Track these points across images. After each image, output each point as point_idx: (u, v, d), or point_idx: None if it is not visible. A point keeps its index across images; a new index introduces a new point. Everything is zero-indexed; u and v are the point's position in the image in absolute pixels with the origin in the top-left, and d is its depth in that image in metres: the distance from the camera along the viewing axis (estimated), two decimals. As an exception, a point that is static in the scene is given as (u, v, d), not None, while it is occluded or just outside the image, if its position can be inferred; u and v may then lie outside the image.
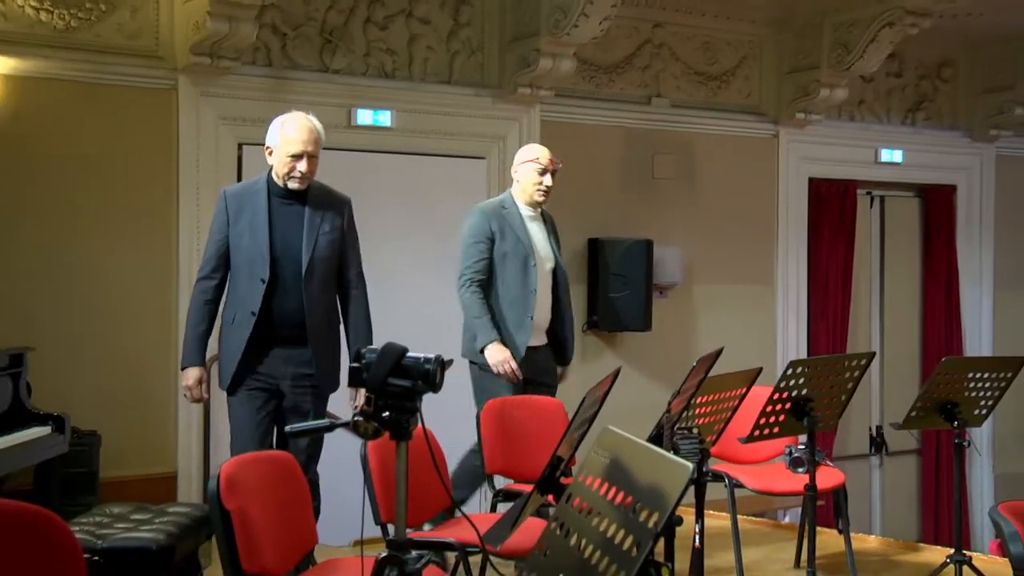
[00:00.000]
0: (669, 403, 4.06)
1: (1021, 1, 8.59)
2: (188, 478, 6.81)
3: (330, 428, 3.03)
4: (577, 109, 8.36)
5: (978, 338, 10.50)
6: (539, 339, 5.85)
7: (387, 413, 2.90)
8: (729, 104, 9.13)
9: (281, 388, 4.88)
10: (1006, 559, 3.31)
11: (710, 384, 4.34)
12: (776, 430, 4.69)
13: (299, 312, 4.86)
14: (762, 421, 4.62)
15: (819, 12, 8.83)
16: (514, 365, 5.62)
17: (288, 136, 4.84)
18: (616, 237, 8.36)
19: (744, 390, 4.53)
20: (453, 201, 7.82)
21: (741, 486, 5.52)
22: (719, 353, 4.47)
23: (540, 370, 5.87)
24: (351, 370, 2.96)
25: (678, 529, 3.75)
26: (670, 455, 2.23)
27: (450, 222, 7.79)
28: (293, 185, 4.87)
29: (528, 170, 5.84)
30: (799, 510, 5.87)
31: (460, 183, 7.86)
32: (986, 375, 5.18)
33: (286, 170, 4.85)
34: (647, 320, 8.35)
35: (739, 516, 5.65)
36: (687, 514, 4.07)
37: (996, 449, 10.49)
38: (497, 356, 5.62)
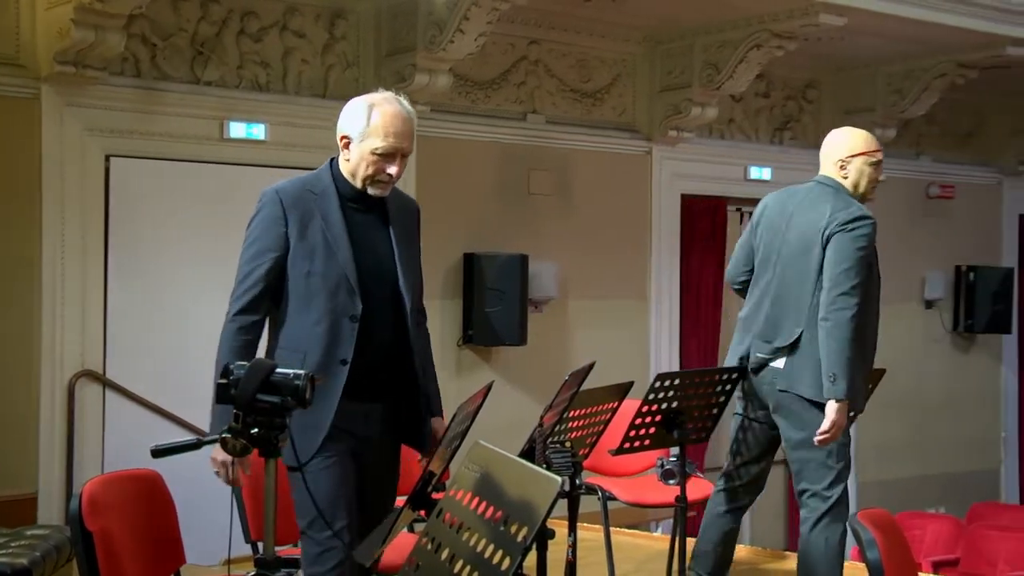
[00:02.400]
0: (541, 417, 4.06)
1: (881, 27, 8.81)
2: (49, 499, 6.57)
3: (197, 445, 2.96)
4: (453, 125, 8.34)
5: (843, 351, 10.70)
6: None
7: (256, 430, 2.85)
8: (603, 121, 9.20)
9: (359, 449, 3.77)
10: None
11: (582, 398, 4.35)
12: (647, 443, 4.72)
13: (396, 358, 3.84)
14: (632, 434, 4.65)
15: (690, 32, 8.96)
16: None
17: (378, 127, 3.71)
18: (491, 252, 8.35)
19: (616, 404, 4.56)
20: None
21: (614, 499, 5.56)
22: (591, 367, 4.48)
23: None
24: (218, 386, 2.90)
25: (551, 542, 3.75)
26: (539, 469, 2.24)
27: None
28: (375, 191, 3.79)
29: (862, 164, 4.84)
30: (671, 521, 5.90)
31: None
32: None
33: (370, 172, 3.73)
34: (522, 334, 8.36)
35: (612, 528, 5.68)
36: (560, 527, 4.07)
37: (859, 459, 10.70)
38: (843, 420, 4.52)
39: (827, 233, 4.61)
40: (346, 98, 7.63)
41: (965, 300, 11.57)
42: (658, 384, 4.64)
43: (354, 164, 3.75)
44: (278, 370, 2.88)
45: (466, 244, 8.36)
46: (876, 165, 4.82)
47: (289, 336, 3.73)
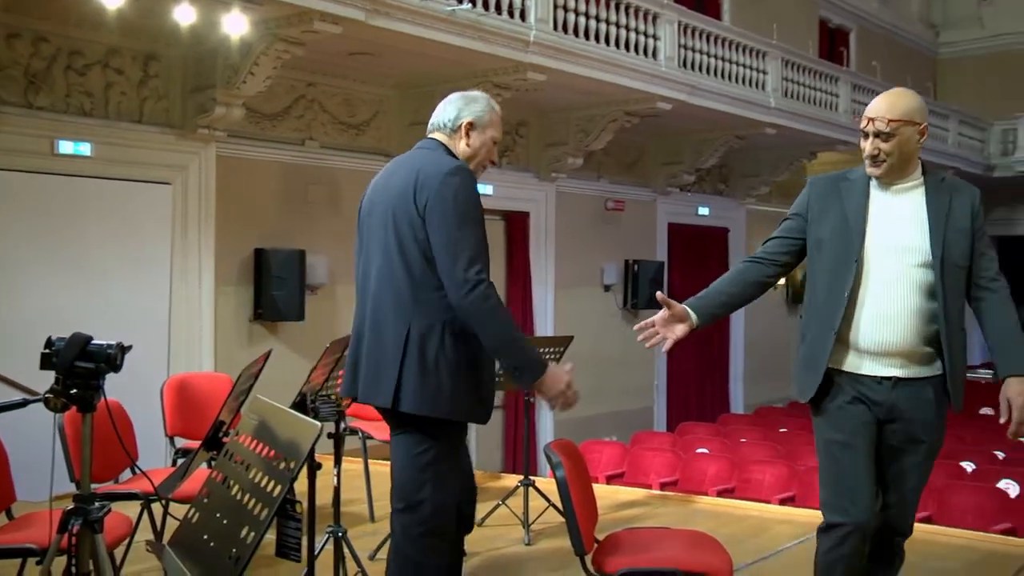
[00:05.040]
0: (308, 376, 3.98)
1: (572, 84, 9.07)
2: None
3: (24, 404, 2.75)
4: (247, 148, 8.08)
5: (544, 323, 10.98)
6: (902, 367, 3.04)
7: (74, 391, 2.67)
8: (365, 147, 9.10)
9: None
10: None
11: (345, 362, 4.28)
12: (396, 394, 4.67)
13: None
14: (386, 387, 4.60)
15: (431, 81, 8.95)
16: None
17: (497, 117, 3.19)
18: (277, 247, 8.14)
19: (372, 364, 4.49)
20: (144, 217, 7.40)
21: (372, 438, 5.51)
22: (349, 339, 4.41)
23: (906, 413, 3.06)
24: (42, 356, 2.70)
25: (319, 472, 3.69)
26: (303, 416, 2.20)
27: (140, 233, 7.40)
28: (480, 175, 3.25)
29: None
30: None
31: (150, 203, 7.44)
32: (550, 349, 5.42)
33: (490, 159, 3.24)
34: (301, 312, 8.21)
35: (371, 460, 5.65)
36: (328, 461, 4.01)
37: (557, 402, 10.99)
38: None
39: None
40: (158, 124, 7.41)
41: (632, 284, 12.04)
42: (404, 349, 4.61)
43: (481, 149, 3.21)
44: (94, 341, 2.70)
45: (257, 241, 8.13)
46: (864, 136, 3.10)
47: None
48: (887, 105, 3.06)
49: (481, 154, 3.17)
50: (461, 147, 3.15)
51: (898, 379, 3.03)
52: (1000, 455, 8.69)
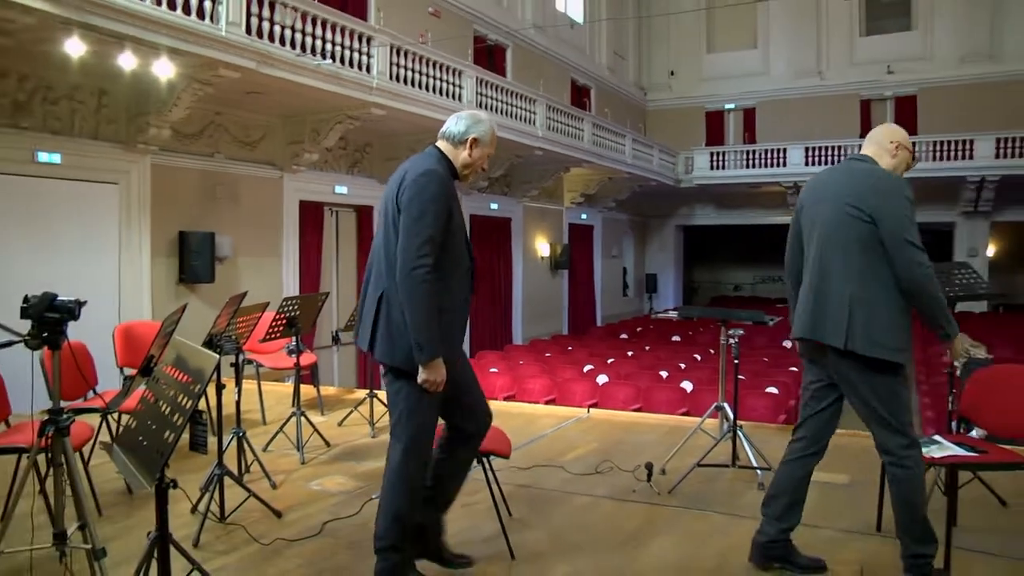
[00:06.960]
0: (215, 321, 3.98)
1: (402, 117, 9.05)
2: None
3: (10, 344, 2.66)
4: (173, 158, 7.72)
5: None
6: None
7: (45, 334, 2.62)
8: (257, 159, 8.83)
9: None
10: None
11: (242, 311, 4.29)
12: (279, 333, 4.68)
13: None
14: (271, 329, 4.61)
15: (301, 113, 8.78)
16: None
17: (495, 136, 2.82)
18: (195, 230, 7.86)
19: (260, 313, 4.51)
20: (98, 208, 7.00)
21: (262, 366, 5.47)
22: (244, 294, 4.41)
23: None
24: (20, 309, 2.55)
25: (224, 391, 3.69)
26: (206, 350, 2.21)
27: (95, 220, 7.01)
28: (473, 179, 2.71)
29: (905, 157, 2.79)
30: (295, 376, 5.92)
31: (102, 198, 7.06)
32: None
33: (482, 166, 2.79)
34: (212, 276, 7.97)
35: (262, 382, 5.63)
36: (231, 382, 4.00)
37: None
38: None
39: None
40: (110, 140, 7.03)
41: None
42: (285, 302, 4.61)
43: (476, 158, 2.77)
44: (59, 298, 2.56)
45: (180, 226, 7.82)
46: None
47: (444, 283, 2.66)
48: None
49: (477, 163, 2.77)
50: (463, 156, 2.75)
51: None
52: (683, 365, 9.12)
